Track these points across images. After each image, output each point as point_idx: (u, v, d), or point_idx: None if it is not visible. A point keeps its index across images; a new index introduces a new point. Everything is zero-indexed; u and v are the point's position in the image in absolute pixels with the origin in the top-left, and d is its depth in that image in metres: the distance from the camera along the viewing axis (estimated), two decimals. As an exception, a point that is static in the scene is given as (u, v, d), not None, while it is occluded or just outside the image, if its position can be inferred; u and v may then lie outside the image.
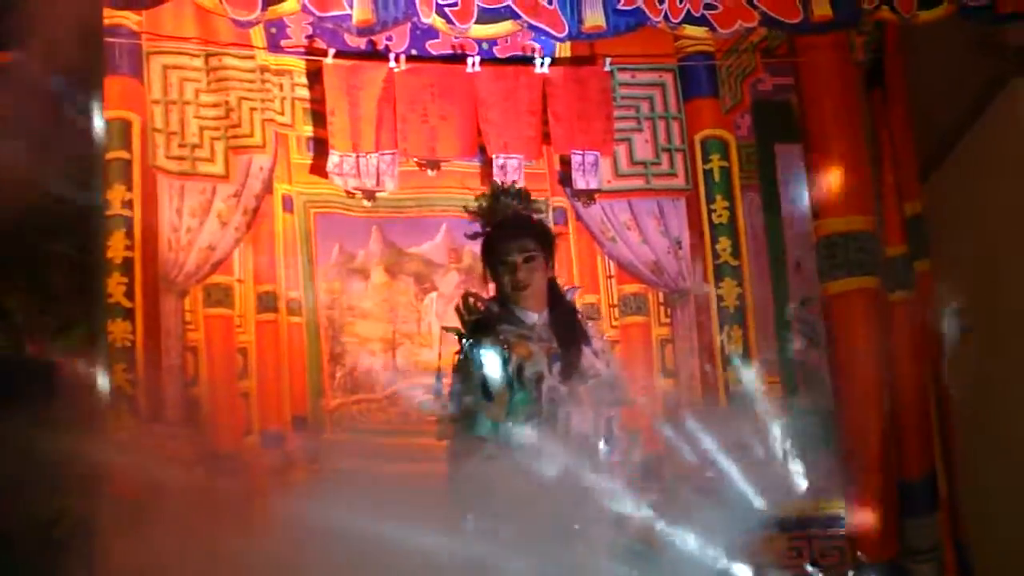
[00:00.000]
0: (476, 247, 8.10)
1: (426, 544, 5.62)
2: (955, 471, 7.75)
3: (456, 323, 5.14)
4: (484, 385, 4.82)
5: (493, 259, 4.99)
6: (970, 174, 8.08)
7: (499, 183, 5.29)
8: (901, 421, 7.71)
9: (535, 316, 4.89)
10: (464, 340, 4.96)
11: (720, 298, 7.91)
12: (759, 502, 5.40)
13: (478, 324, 4.93)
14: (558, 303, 5.00)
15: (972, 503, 7.75)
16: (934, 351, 7.81)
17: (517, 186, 5.24)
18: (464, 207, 5.29)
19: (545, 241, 5.01)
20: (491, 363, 4.82)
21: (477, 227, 5.23)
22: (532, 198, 5.25)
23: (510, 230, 4.98)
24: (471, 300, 5.02)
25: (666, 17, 7.08)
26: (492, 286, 5.12)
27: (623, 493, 4.81)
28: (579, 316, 5.05)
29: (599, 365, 4.88)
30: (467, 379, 4.89)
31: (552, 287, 5.04)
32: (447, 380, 5.06)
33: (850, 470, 7.61)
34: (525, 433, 4.73)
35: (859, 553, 7.30)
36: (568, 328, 4.90)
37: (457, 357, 5.01)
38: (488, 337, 4.86)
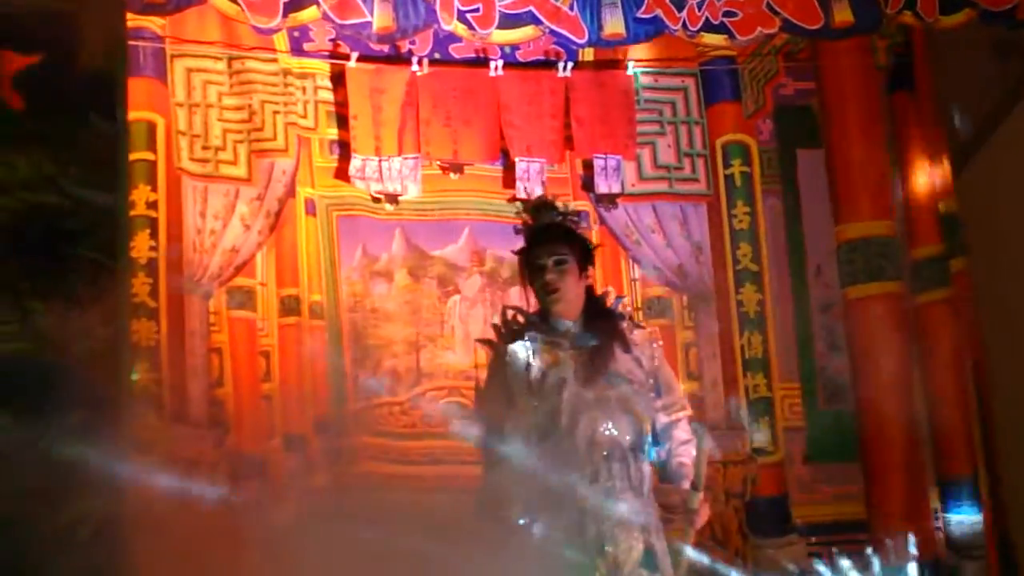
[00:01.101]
0: (498, 251, 8.23)
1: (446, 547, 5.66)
2: (997, 471, 7.73)
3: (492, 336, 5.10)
4: (508, 394, 4.81)
5: (529, 267, 4.93)
6: (995, 176, 8.05)
7: (543, 198, 5.19)
8: (942, 419, 7.69)
9: (568, 323, 4.82)
10: (492, 349, 4.94)
11: (740, 303, 7.91)
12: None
13: (509, 334, 4.90)
14: (596, 310, 4.93)
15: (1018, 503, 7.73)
16: (974, 349, 7.79)
17: (558, 200, 5.13)
18: (514, 228, 5.23)
19: (579, 248, 4.94)
20: (514, 371, 4.80)
21: (517, 237, 5.13)
22: (573, 209, 5.16)
23: (543, 236, 4.92)
24: (510, 314, 4.98)
25: (684, 25, 7.10)
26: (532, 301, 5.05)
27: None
28: (620, 323, 4.94)
29: (638, 372, 4.81)
30: (491, 388, 4.88)
31: (590, 295, 4.96)
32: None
33: (871, 476, 7.60)
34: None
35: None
36: (604, 334, 4.82)
37: (486, 367, 4.99)
38: (515, 345, 4.83)
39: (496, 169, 8.20)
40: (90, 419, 5.09)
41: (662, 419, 4.85)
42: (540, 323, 4.89)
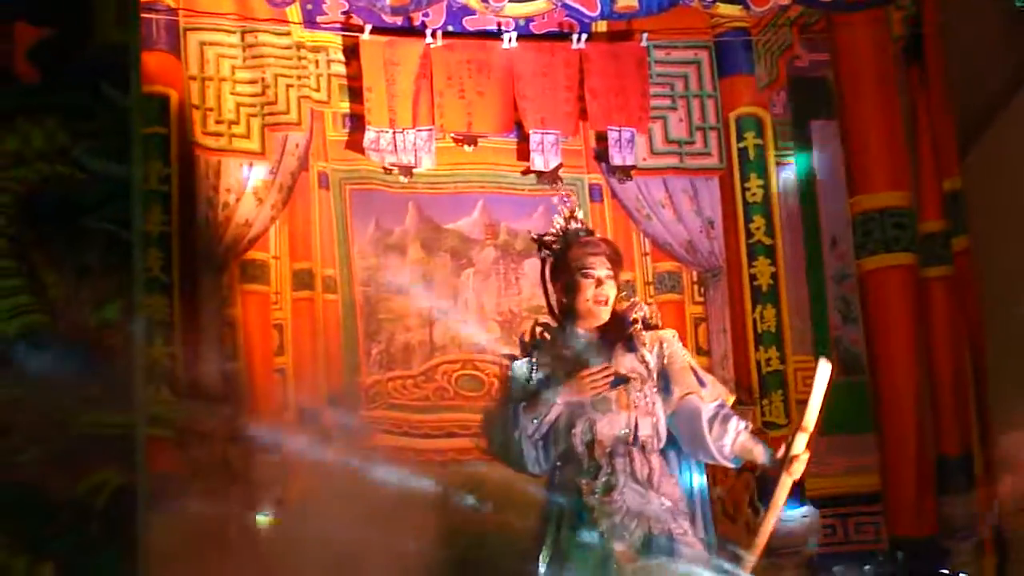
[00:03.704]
0: (512, 224, 8.22)
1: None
2: (992, 449, 7.72)
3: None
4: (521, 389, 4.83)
5: (570, 271, 4.86)
6: (1009, 151, 8.03)
7: (566, 211, 5.11)
8: (938, 398, 7.68)
9: (587, 334, 4.82)
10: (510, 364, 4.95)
11: (753, 277, 7.90)
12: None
13: (531, 349, 4.90)
14: (611, 319, 4.90)
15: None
16: (973, 327, 7.78)
17: (579, 216, 5.08)
18: (533, 237, 5.18)
19: (617, 266, 4.92)
20: (519, 385, 4.82)
21: (549, 240, 5.07)
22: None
23: (591, 247, 4.88)
24: (538, 331, 4.97)
25: (700, -5, 7.10)
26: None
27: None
28: (629, 327, 4.92)
29: (641, 370, 4.81)
30: (501, 406, 4.88)
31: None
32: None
33: (885, 447, 7.59)
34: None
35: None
36: (610, 339, 4.83)
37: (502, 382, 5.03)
38: (520, 361, 4.86)
39: (511, 141, 8.19)
40: (104, 391, 5.11)
41: (712, 408, 4.79)
42: (560, 333, 4.90)
